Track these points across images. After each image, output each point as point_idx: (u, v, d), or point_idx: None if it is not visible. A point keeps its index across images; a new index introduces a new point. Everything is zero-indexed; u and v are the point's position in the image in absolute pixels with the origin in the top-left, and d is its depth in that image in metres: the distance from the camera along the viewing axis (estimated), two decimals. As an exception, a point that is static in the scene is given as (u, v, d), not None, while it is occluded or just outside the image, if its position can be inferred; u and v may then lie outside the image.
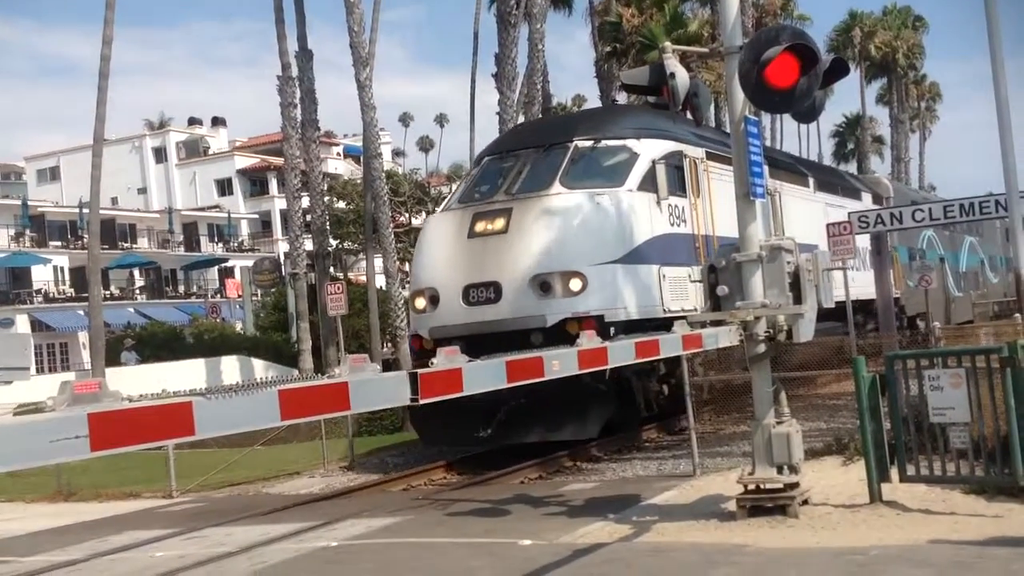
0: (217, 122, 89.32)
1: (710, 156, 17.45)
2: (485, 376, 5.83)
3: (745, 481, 9.58)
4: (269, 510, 13.10)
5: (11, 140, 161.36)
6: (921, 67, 72.66)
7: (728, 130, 15.67)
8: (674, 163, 16.46)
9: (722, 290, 9.68)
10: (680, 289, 15.72)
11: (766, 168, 18.32)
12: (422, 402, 5.24)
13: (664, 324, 12.62)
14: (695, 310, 15.32)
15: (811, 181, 22.72)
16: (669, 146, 16.46)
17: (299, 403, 4.71)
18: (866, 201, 26.15)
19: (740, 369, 15.48)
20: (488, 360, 5.78)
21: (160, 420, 4.00)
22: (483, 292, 14.71)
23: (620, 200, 15.20)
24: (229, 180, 79.13)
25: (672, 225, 15.96)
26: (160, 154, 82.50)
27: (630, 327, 14.07)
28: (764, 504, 9.39)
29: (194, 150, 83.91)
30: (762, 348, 9.58)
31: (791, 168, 22.45)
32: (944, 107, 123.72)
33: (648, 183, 15.66)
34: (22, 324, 55.07)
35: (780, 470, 9.49)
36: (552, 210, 14.94)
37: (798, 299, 9.53)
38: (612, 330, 13.97)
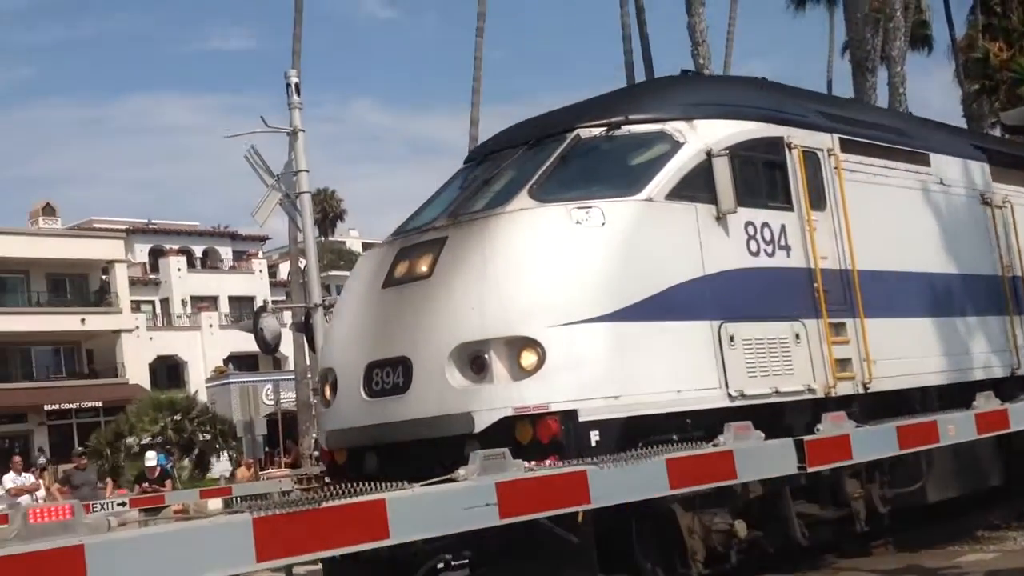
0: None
1: (848, 145, 11.32)
2: (874, 442, 5.61)
3: None
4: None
5: (387, 220, 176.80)
6: None
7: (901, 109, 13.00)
8: (763, 156, 10.56)
9: None
10: (771, 357, 9.75)
11: (984, 167, 13.67)
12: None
13: (726, 419, 6.88)
14: (806, 390, 9.99)
15: None
16: (747, 129, 10.39)
17: (686, 472, 4.78)
18: None
19: None
20: (878, 425, 5.53)
21: (559, 489, 4.18)
22: (388, 375, 9.19)
23: (625, 217, 9.20)
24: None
25: (754, 254, 10.03)
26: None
27: (642, 427, 8.59)
28: None
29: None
30: None
31: None
32: None
33: (694, 187, 9.65)
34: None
35: None
36: (501, 238, 9.08)
37: None
38: (596, 435, 8.39)
